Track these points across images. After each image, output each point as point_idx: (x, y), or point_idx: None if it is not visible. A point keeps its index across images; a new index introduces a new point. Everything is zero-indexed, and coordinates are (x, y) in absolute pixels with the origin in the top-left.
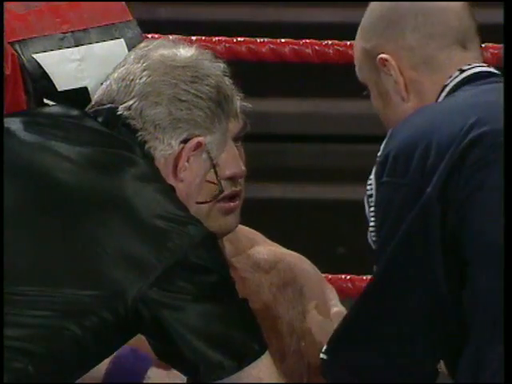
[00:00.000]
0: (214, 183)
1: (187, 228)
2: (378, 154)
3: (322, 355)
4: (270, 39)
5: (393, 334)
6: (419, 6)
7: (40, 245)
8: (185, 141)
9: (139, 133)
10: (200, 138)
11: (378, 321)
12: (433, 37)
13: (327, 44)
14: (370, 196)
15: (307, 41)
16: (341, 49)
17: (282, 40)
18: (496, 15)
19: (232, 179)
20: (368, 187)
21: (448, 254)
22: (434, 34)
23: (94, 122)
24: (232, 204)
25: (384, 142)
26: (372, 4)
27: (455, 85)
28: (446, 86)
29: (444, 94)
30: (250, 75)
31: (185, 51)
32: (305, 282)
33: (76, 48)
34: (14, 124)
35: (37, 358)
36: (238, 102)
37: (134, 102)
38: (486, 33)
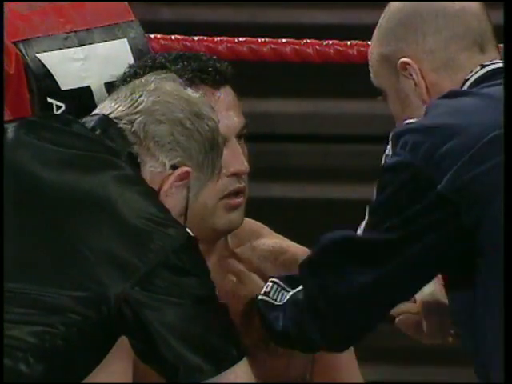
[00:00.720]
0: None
1: (169, 230)
2: (408, 122)
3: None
4: (271, 39)
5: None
6: (439, 8)
7: (25, 244)
8: (175, 166)
9: (134, 146)
10: (189, 169)
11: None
12: (453, 39)
13: (328, 44)
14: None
15: (308, 41)
16: (341, 49)
17: (283, 40)
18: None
19: (236, 176)
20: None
21: (450, 251)
22: (454, 36)
23: (82, 128)
24: (237, 200)
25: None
26: (389, 9)
27: (477, 78)
28: (467, 80)
29: (466, 86)
30: (252, 75)
31: (191, 91)
32: None
33: (79, 48)
34: (10, 125)
35: (27, 355)
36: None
37: (139, 117)
38: None
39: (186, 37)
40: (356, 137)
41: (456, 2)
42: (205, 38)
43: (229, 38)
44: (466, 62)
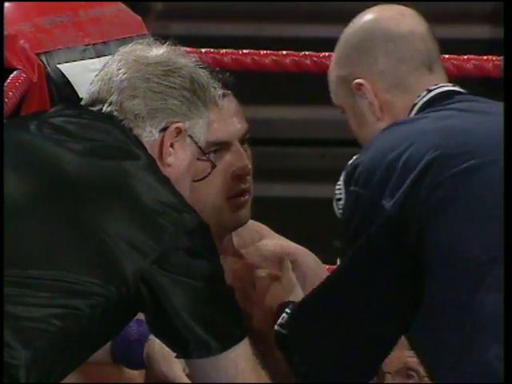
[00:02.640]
0: (203, 160)
1: (183, 215)
2: (349, 163)
3: (277, 327)
4: (272, 51)
5: (342, 325)
6: (388, 32)
7: (47, 230)
8: (164, 129)
9: (123, 122)
10: (179, 124)
11: (330, 312)
12: (402, 60)
13: (324, 56)
14: (339, 200)
15: (306, 53)
16: None
17: (284, 52)
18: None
19: (240, 177)
20: (337, 191)
21: (404, 270)
22: (403, 58)
23: (96, 119)
24: (243, 199)
25: (356, 156)
26: (344, 34)
27: (424, 103)
28: (415, 104)
29: (414, 112)
30: (255, 84)
31: (156, 50)
32: (307, 271)
33: (97, 59)
34: (30, 122)
35: (52, 336)
36: (216, 90)
37: (114, 97)
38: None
39: (194, 49)
40: (350, 141)
41: (402, 26)
42: (211, 50)
43: (233, 51)
44: (416, 82)
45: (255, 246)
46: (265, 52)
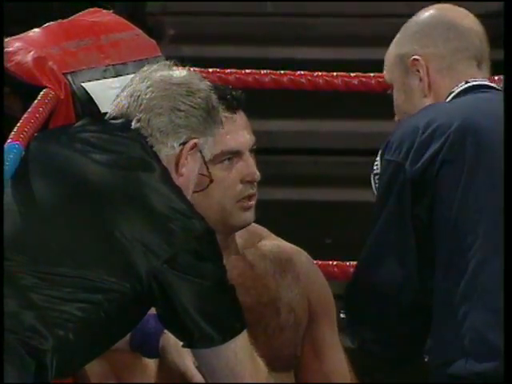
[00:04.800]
0: (204, 175)
1: (192, 221)
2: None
3: (341, 315)
4: (271, 71)
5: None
6: (452, 23)
7: (72, 232)
8: (184, 143)
9: (148, 139)
10: (195, 140)
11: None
12: (458, 49)
13: (318, 75)
14: (376, 174)
15: (302, 72)
16: (328, 79)
17: (282, 72)
18: None
19: (250, 183)
20: (375, 167)
21: (421, 231)
22: (459, 48)
23: (117, 132)
24: (250, 203)
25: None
26: (410, 21)
27: (458, 92)
28: (452, 92)
29: (449, 98)
30: (256, 100)
31: (179, 72)
32: (301, 269)
33: (116, 78)
34: (59, 135)
35: (76, 326)
36: (223, 111)
37: (143, 115)
38: None
39: (203, 69)
40: (342, 150)
41: (466, 21)
42: (217, 70)
43: (237, 70)
44: (463, 71)
45: (255, 246)
46: (265, 72)
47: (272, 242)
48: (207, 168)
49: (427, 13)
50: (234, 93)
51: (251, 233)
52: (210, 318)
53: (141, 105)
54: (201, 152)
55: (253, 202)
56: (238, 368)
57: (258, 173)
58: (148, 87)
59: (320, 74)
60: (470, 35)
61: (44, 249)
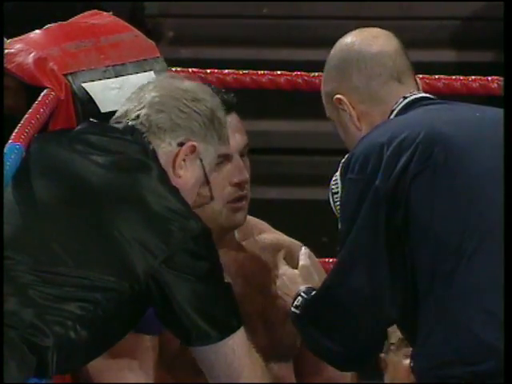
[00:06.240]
0: (205, 195)
1: (189, 221)
2: (343, 160)
3: (293, 309)
4: (268, 71)
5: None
6: (361, 53)
7: (72, 232)
8: (181, 144)
9: (145, 134)
10: (194, 143)
11: (337, 297)
12: (372, 77)
13: (314, 76)
14: (335, 193)
15: (298, 73)
16: None
17: (278, 72)
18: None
19: (239, 185)
20: (333, 185)
21: (394, 245)
22: (372, 75)
23: (117, 134)
24: (239, 204)
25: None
26: (329, 57)
27: (401, 108)
28: (393, 110)
29: (393, 115)
30: (253, 100)
31: (188, 82)
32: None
33: (116, 78)
34: (60, 137)
35: (76, 324)
36: (229, 132)
37: (143, 110)
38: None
39: (201, 70)
40: (336, 150)
41: (374, 46)
42: (215, 71)
43: (235, 71)
44: (388, 94)
45: (255, 238)
46: (262, 72)
47: (272, 236)
48: (208, 181)
49: (339, 45)
50: (225, 96)
51: (250, 225)
52: (207, 315)
53: (142, 102)
54: (201, 160)
55: (244, 203)
56: (236, 364)
57: (247, 175)
58: (154, 87)
59: (316, 74)
60: (380, 60)
61: (44, 248)
